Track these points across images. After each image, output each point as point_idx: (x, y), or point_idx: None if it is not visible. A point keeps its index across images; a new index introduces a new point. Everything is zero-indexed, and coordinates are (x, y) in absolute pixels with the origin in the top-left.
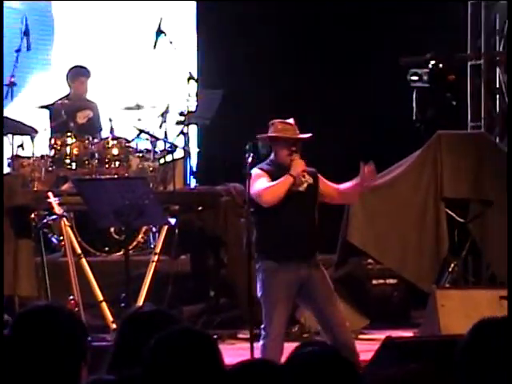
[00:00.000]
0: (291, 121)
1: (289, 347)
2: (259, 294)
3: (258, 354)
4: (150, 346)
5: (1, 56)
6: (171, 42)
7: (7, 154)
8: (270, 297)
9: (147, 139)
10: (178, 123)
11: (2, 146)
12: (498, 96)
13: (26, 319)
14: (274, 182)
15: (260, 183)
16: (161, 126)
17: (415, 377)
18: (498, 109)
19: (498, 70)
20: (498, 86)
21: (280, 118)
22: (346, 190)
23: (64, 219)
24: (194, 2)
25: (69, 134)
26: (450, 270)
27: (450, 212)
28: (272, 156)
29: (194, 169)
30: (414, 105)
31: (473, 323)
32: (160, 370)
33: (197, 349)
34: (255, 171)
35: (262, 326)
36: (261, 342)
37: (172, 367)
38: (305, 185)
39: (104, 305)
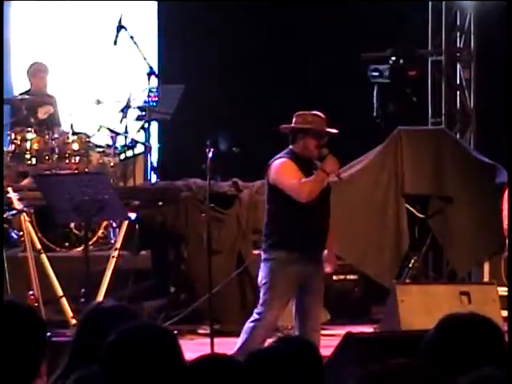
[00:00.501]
0: (321, 114)
1: None
2: (262, 281)
3: (218, 349)
4: (108, 341)
5: (1, 56)
6: (132, 38)
7: None
8: (276, 287)
9: (108, 134)
10: (139, 118)
11: (2, 146)
12: (458, 92)
13: None
14: (310, 179)
15: (294, 176)
16: (121, 122)
17: (403, 370)
18: (458, 105)
19: (458, 65)
20: (458, 82)
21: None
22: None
23: (24, 214)
24: (156, 2)
25: (29, 129)
26: (411, 265)
27: (410, 208)
28: (294, 147)
29: (155, 164)
30: (375, 101)
31: (433, 318)
32: (118, 365)
33: (156, 344)
34: (283, 161)
35: (257, 311)
36: (251, 325)
37: (130, 362)
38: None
39: (64, 300)
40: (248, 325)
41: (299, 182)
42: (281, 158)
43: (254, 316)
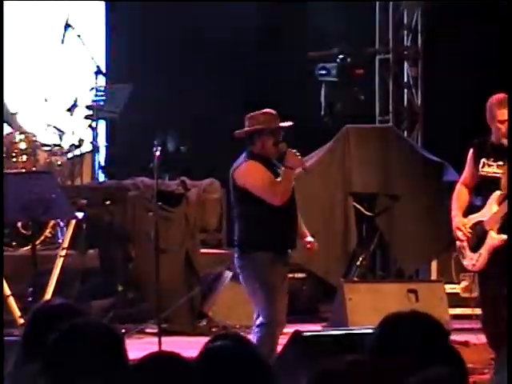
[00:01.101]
0: (271, 111)
1: (196, 341)
2: (255, 286)
3: (166, 348)
4: (51, 338)
5: (1, 56)
6: (79, 36)
7: None
8: (271, 285)
9: (55, 133)
10: (86, 117)
11: (2, 146)
12: (405, 90)
13: None
14: (280, 180)
15: (263, 178)
16: (69, 120)
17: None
18: (405, 103)
19: (405, 64)
20: (405, 80)
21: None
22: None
23: None
24: (103, 2)
25: None
26: (358, 263)
27: (358, 206)
28: (253, 149)
29: (102, 163)
30: (323, 99)
31: (380, 317)
32: (60, 362)
33: (99, 342)
34: (251, 163)
35: (263, 320)
36: (262, 332)
37: (72, 360)
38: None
39: (11, 299)
40: (260, 333)
41: (270, 185)
42: (245, 161)
43: (262, 321)
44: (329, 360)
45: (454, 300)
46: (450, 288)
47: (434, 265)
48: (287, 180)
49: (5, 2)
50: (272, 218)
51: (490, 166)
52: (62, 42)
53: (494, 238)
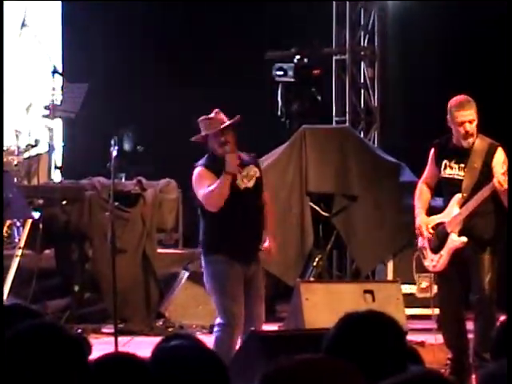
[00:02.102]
0: (213, 114)
1: (153, 341)
2: (211, 288)
3: (123, 349)
4: (3, 339)
5: (1, 55)
6: (35, 36)
7: None
8: (226, 286)
9: (12, 133)
10: (43, 117)
11: (2, 145)
12: (362, 91)
13: None
14: (215, 185)
15: (202, 186)
16: (25, 120)
17: (310, 364)
18: (362, 103)
19: (362, 64)
20: (362, 80)
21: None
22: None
23: None
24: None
25: None
26: (315, 263)
27: (314, 206)
28: (210, 151)
29: (59, 163)
30: (279, 99)
31: (337, 317)
32: (12, 365)
33: (52, 343)
34: (198, 170)
35: (218, 322)
36: (219, 333)
37: (24, 362)
38: (252, 180)
39: None
40: (215, 336)
41: (205, 193)
42: (197, 165)
43: (217, 328)
44: (281, 358)
45: (413, 300)
46: (409, 288)
47: (390, 265)
48: (221, 184)
49: None
50: (227, 221)
51: (451, 168)
52: (19, 37)
53: (455, 241)
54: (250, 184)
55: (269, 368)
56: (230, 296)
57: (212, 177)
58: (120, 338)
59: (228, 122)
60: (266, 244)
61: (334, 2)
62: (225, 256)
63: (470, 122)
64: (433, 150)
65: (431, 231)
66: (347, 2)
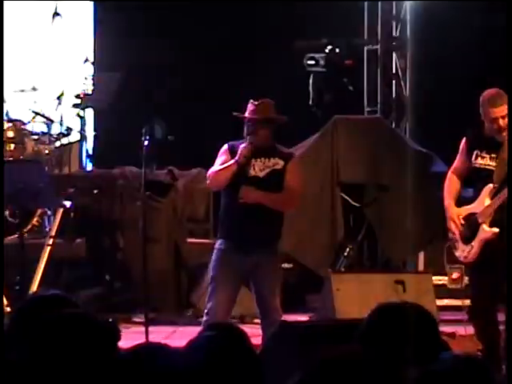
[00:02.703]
0: (262, 102)
1: (183, 331)
2: (210, 274)
3: (153, 338)
4: (37, 329)
5: (1, 55)
6: (67, 24)
7: None
8: (217, 278)
9: (43, 122)
10: (75, 106)
11: (2, 144)
12: (394, 81)
13: None
14: (221, 167)
15: (216, 162)
16: (57, 109)
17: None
18: (394, 94)
19: (394, 55)
20: (394, 71)
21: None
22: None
23: None
24: None
25: None
26: (346, 254)
27: (345, 196)
28: None
29: (90, 152)
30: (311, 89)
31: (368, 307)
32: (44, 353)
33: (85, 334)
34: (224, 146)
35: (205, 307)
36: (203, 323)
37: (56, 351)
38: (265, 171)
39: None
40: (202, 324)
41: (210, 171)
42: (227, 143)
43: (204, 317)
44: (326, 350)
45: (444, 291)
46: (438, 279)
47: (421, 256)
48: (224, 169)
49: None
50: (231, 207)
51: (483, 157)
52: (51, 29)
53: (486, 231)
54: (262, 174)
55: (313, 359)
56: (215, 286)
57: (229, 158)
58: (150, 328)
59: (265, 117)
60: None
61: None
62: (224, 243)
63: (503, 117)
64: (464, 140)
65: (462, 222)
66: None
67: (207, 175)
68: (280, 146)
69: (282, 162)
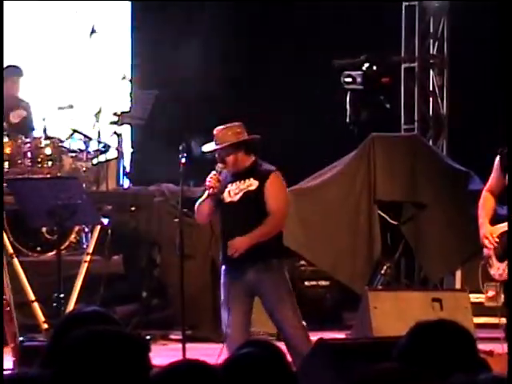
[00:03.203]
0: (222, 127)
1: (220, 348)
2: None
3: (190, 355)
4: (64, 345)
5: (1, 55)
6: (105, 43)
7: None
8: (224, 302)
9: (80, 139)
10: (112, 123)
11: (2, 146)
12: (431, 99)
13: None
14: (199, 201)
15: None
16: (94, 126)
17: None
18: (431, 111)
19: (431, 72)
20: (431, 88)
21: (235, 122)
22: None
23: None
24: (129, 2)
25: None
26: (383, 272)
27: (383, 214)
28: None
29: (128, 169)
30: (348, 107)
31: (405, 325)
32: (69, 371)
33: (114, 351)
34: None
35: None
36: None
37: (82, 369)
38: (239, 194)
39: (36, 305)
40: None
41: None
42: None
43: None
44: (363, 368)
45: (480, 309)
46: (475, 297)
47: (458, 274)
48: (201, 201)
49: (31, 4)
50: (221, 233)
51: None
52: (89, 46)
53: None
54: (236, 198)
55: (351, 378)
56: (225, 307)
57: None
58: (187, 345)
59: (217, 147)
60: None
61: (403, 11)
62: (224, 267)
63: None
64: (498, 158)
65: (496, 240)
66: (417, 11)
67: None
68: (262, 163)
69: (255, 183)
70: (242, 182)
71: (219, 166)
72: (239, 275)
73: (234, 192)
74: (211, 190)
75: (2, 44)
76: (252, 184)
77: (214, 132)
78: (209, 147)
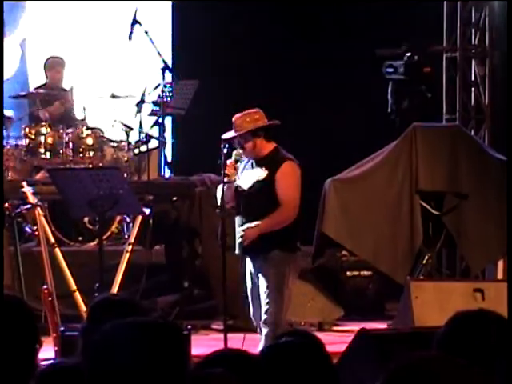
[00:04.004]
0: (240, 114)
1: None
2: None
3: (232, 345)
4: (96, 336)
5: (1, 55)
6: (146, 32)
7: None
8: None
9: (122, 129)
10: (153, 113)
11: (2, 145)
12: (473, 89)
13: None
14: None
15: None
16: (135, 116)
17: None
18: (472, 101)
19: (473, 62)
20: (473, 78)
21: (254, 109)
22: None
23: (38, 209)
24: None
25: (43, 123)
26: (424, 262)
27: (424, 204)
28: None
29: (169, 159)
30: (389, 97)
31: (446, 315)
32: (100, 361)
33: (146, 342)
34: None
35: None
36: None
37: (112, 359)
38: (249, 183)
39: (77, 294)
40: None
41: None
42: None
43: None
44: (405, 355)
45: None
46: None
47: (500, 264)
48: (223, 191)
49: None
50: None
51: None
52: (130, 38)
53: None
54: (246, 186)
55: (394, 364)
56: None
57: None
58: (229, 335)
59: (235, 134)
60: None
61: (445, 1)
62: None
63: None
64: None
65: None
66: (458, 1)
67: None
68: (279, 152)
69: (266, 172)
70: (252, 170)
71: (237, 153)
72: (250, 263)
73: (245, 180)
74: (226, 177)
75: (2, 43)
76: (262, 173)
77: (233, 119)
78: (228, 135)
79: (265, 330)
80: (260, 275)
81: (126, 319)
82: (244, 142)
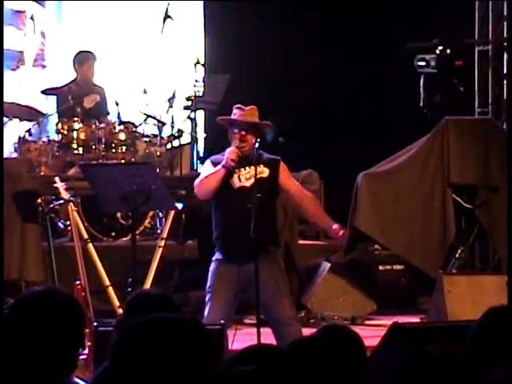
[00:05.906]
0: (248, 108)
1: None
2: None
3: (265, 340)
4: (120, 333)
5: (1, 55)
6: (178, 27)
7: (14, 138)
8: (213, 288)
9: (154, 124)
10: (185, 108)
11: (2, 145)
12: (505, 82)
13: (24, 304)
14: (208, 173)
15: (203, 172)
16: (168, 111)
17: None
18: (505, 95)
19: (505, 55)
20: (505, 71)
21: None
22: (318, 221)
23: (71, 204)
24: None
25: (75, 118)
26: (457, 255)
27: (457, 198)
28: None
29: (201, 154)
30: (422, 90)
31: (479, 309)
32: (126, 359)
33: (171, 339)
34: (207, 161)
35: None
36: None
37: (137, 356)
38: (251, 180)
39: (111, 290)
40: None
41: (197, 181)
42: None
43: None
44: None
45: None
46: None
47: None
48: (211, 175)
49: None
50: (222, 219)
51: None
52: (162, 32)
53: None
54: (248, 183)
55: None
56: (214, 297)
57: (212, 167)
58: (262, 329)
59: (253, 121)
60: (335, 226)
61: None
62: (220, 255)
63: None
64: None
65: None
66: None
67: (194, 185)
68: (263, 152)
69: (266, 170)
70: (252, 168)
71: (238, 143)
72: (235, 265)
73: (245, 177)
74: (232, 162)
75: (2, 43)
76: (263, 171)
77: (244, 108)
78: (251, 119)
79: (288, 327)
80: (264, 275)
81: (151, 316)
82: (250, 132)
